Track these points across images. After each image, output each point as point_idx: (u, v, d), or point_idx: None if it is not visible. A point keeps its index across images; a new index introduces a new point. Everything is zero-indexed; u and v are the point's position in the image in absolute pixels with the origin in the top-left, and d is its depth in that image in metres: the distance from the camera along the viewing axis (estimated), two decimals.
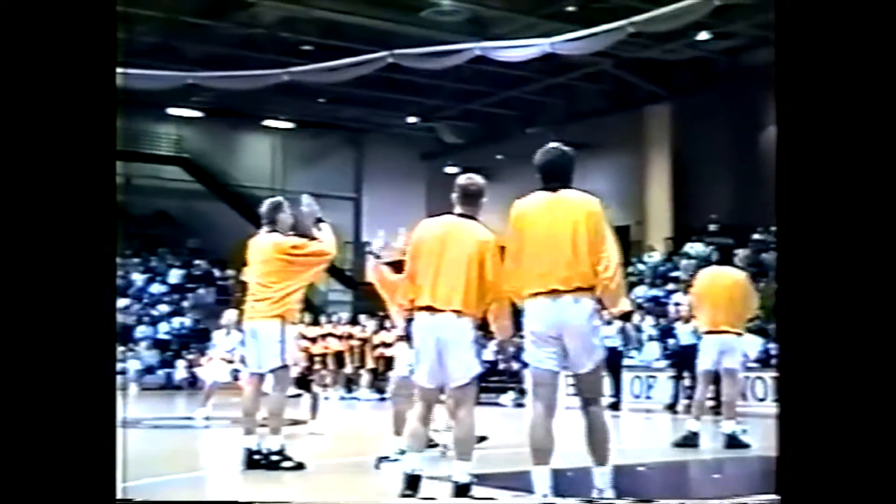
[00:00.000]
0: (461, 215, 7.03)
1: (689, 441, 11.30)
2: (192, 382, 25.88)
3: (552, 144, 6.85)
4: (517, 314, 6.76)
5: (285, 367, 8.88)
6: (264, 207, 9.18)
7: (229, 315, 16.37)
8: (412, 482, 6.78)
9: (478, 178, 7.22)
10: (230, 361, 15.63)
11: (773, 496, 4.09)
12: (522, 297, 6.46)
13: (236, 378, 15.24)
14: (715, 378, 12.01)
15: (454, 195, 7.09)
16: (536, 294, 6.34)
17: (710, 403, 18.36)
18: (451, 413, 7.11)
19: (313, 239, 8.95)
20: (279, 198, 9.46)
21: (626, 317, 6.82)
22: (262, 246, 8.94)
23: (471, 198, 7.07)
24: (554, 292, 6.27)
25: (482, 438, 11.15)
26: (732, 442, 11.13)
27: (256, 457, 8.68)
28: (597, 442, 6.37)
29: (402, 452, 7.69)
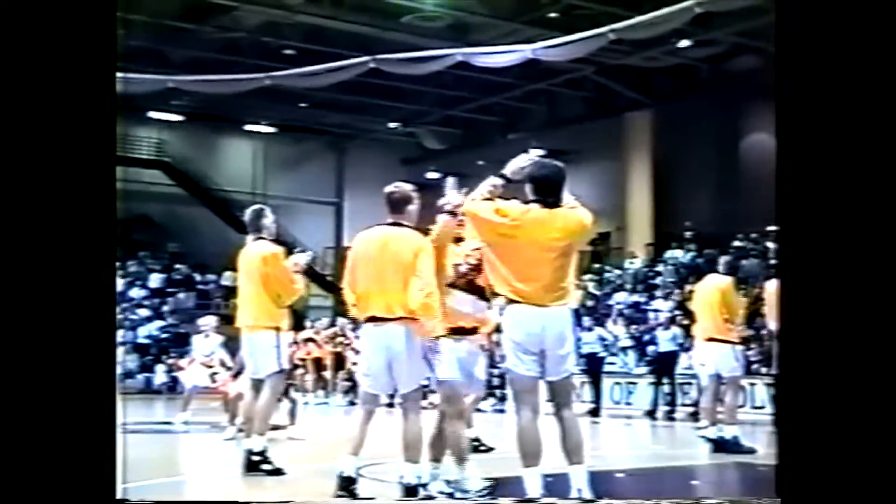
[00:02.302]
0: (394, 224, 7.14)
1: (732, 447, 11.34)
2: (172, 387, 25.79)
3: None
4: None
5: (281, 372, 9.04)
6: (247, 216, 9.24)
7: (208, 319, 16.35)
8: (346, 484, 6.92)
9: (404, 186, 7.31)
10: (209, 366, 15.60)
11: (774, 499, 4.11)
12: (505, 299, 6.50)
13: (214, 381, 15.27)
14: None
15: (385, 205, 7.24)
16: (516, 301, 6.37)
17: (691, 410, 18.54)
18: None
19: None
20: (260, 205, 9.51)
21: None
22: (251, 257, 9.02)
23: (397, 205, 7.18)
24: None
25: (489, 449, 11.16)
26: (726, 447, 11.28)
27: (256, 458, 8.78)
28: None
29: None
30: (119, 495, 4.32)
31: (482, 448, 11.00)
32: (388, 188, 7.28)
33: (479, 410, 11.66)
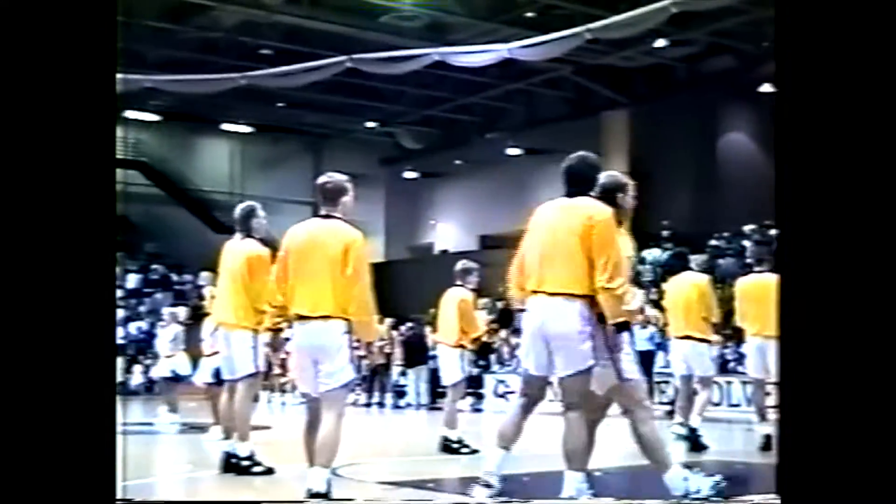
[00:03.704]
0: (325, 216, 6.89)
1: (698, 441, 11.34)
2: (149, 387, 25.73)
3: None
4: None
5: (256, 374, 8.91)
6: (237, 213, 9.13)
7: (172, 312, 16.38)
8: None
9: (337, 176, 7.07)
10: (170, 356, 15.70)
11: (774, 497, 4.12)
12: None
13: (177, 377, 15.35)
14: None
15: (318, 196, 6.99)
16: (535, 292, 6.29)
17: (667, 408, 18.59)
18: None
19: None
20: (252, 203, 9.34)
21: None
22: (235, 255, 8.92)
23: (330, 196, 6.93)
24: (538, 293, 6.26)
25: (474, 451, 11.07)
26: (691, 443, 11.26)
27: (234, 460, 8.75)
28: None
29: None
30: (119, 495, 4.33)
31: (465, 450, 10.96)
32: (322, 178, 7.06)
33: (458, 410, 11.64)
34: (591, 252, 6.14)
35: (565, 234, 6.22)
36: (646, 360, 20.04)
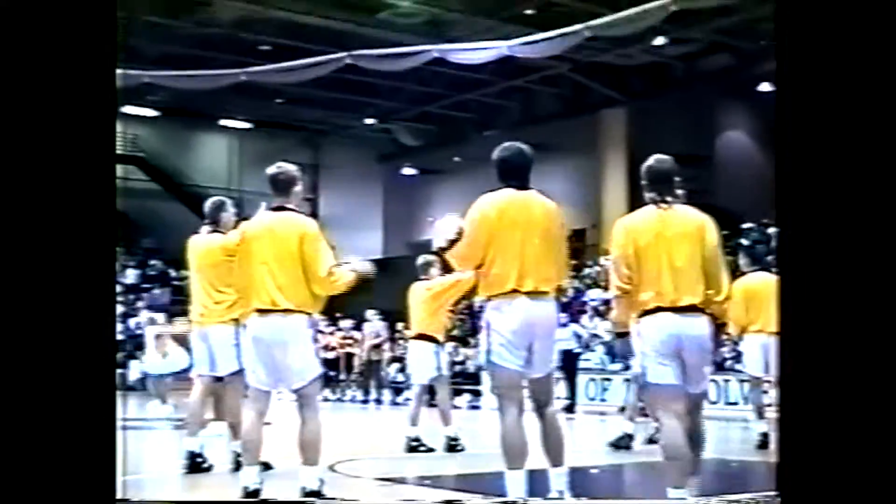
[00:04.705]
0: (278, 208, 6.85)
1: (623, 442, 11.23)
2: (145, 383, 25.70)
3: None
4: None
5: (241, 370, 8.71)
6: (207, 207, 9.06)
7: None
8: (252, 496, 6.60)
9: (287, 166, 7.04)
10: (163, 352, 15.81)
11: (773, 493, 4.11)
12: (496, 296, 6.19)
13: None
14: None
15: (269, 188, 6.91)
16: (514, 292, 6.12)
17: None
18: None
19: None
20: (221, 197, 9.35)
21: None
22: (208, 248, 8.76)
23: (282, 187, 6.90)
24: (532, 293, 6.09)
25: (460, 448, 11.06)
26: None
27: (199, 460, 8.61)
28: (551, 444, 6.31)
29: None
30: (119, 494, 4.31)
31: (459, 447, 10.96)
32: (272, 169, 7.00)
33: (455, 407, 11.62)
34: (559, 250, 6.27)
35: (544, 232, 6.18)
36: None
